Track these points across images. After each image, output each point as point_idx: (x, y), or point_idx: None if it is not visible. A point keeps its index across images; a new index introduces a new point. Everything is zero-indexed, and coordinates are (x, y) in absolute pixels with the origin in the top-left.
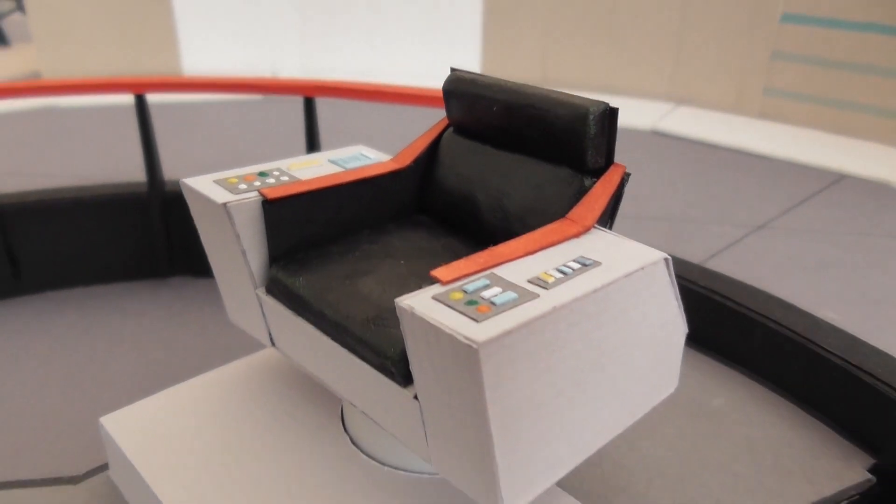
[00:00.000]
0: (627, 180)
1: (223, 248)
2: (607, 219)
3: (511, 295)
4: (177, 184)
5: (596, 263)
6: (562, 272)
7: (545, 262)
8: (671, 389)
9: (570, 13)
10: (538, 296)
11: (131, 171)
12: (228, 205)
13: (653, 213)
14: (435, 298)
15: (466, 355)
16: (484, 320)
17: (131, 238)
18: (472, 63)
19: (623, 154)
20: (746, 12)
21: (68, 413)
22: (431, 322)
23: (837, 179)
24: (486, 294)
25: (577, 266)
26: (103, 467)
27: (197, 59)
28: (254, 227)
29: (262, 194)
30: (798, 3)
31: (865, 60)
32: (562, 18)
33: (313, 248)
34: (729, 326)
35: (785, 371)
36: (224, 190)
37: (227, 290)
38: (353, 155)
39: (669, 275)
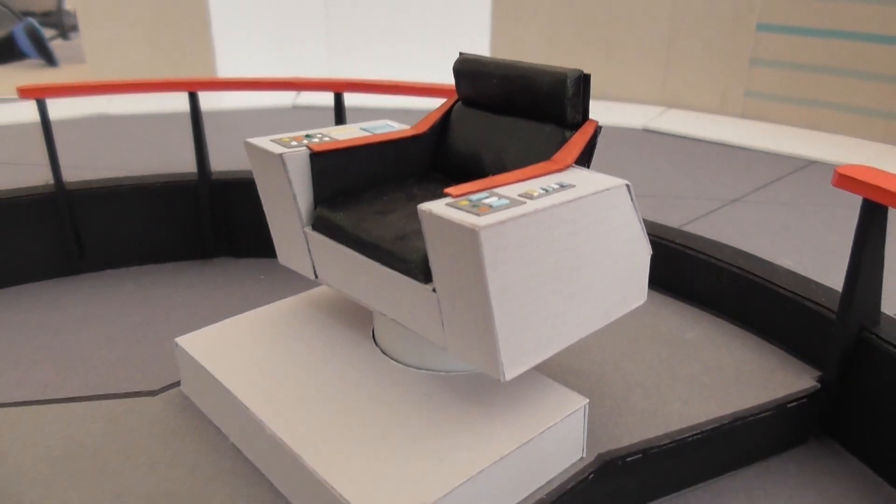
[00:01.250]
0: (600, 132)
1: (277, 194)
2: (584, 162)
3: (505, 201)
4: (222, 174)
5: (571, 186)
6: (545, 190)
7: (532, 185)
8: (641, 301)
9: (571, 28)
10: (525, 202)
11: (176, 166)
12: (284, 155)
13: (640, 192)
14: (448, 205)
15: (471, 238)
16: (484, 215)
17: (181, 222)
18: None
19: (615, 148)
20: (726, 23)
21: (133, 355)
22: (445, 217)
23: (806, 164)
24: (486, 201)
25: (556, 187)
26: (176, 384)
27: (230, 72)
28: (302, 175)
29: (309, 148)
30: (771, 14)
31: (831, 63)
32: (563, 32)
33: (349, 195)
34: (700, 275)
35: (748, 308)
36: (279, 145)
37: (278, 234)
38: (381, 125)
39: (631, 199)
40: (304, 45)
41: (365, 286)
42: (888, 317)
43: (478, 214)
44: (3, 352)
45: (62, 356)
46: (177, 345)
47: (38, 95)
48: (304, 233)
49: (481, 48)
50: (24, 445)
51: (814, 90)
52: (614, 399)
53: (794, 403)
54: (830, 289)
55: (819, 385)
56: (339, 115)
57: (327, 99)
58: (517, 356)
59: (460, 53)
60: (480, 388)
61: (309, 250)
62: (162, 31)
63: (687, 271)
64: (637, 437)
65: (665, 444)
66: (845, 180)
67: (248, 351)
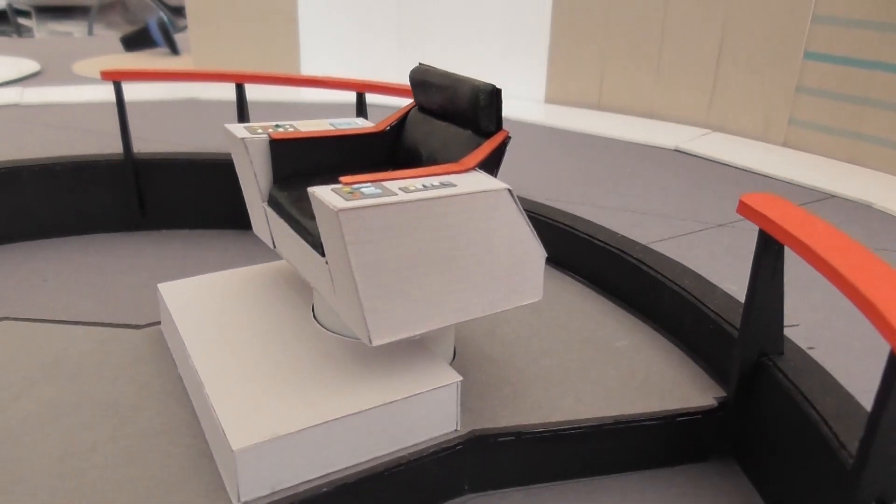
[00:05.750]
0: (509, 141)
1: (245, 174)
2: (493, 167)
3: (377, 191)
4: None
5: (452, 185)
6: (424, 186)
7: (417, 182)
8: (534, 299)
9: (624, 47)
10: (396, 194)
11: None
12: (245, 140)
13: (629, 208)
14: (332, 190)
15: (334, 217)
16: (352, 200)
17: (227, 195)
18: (538, 86)
19: (638, 166)
20: (774, 48)
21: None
22: (320, 198)
23: (824, 198)
24: (364, 190)
25: (437, 184)
26: (158, 322)
27: (312, 68)
28: (263, 158)
29: (269, 135)
30: (819, 43)
31: (876, 96)
32: (617, 51)
33: (303, 178)
34: (647, 289)
35: (681, 325)
36: (247, 132)
37: (251, 209)
38: (349, 121)
39: (515, 203)
40: (378, 48)
41: (296, 256)
42: (797, 348)
43: (347, 199)
44: (64, 283)
45: (104, 292)
46: (158, 290)
47: (115, 78)
48: (263, 207)
49: (540, 59)
50: (28, 352)
51: (857, 123)
52: (514, 388)
53: (686, 418)
54: None
55: (716, 404)
56: (361, 112)
57: (391, 100)
58: (386, 326)
59: (420, 64)
60: (374, 355)
61: (268, 223)
62: (257, 29)
63: (637, 284)
64: (516, 421)
65: (539, 432)
66: (745, 209)
67: (208, 302)
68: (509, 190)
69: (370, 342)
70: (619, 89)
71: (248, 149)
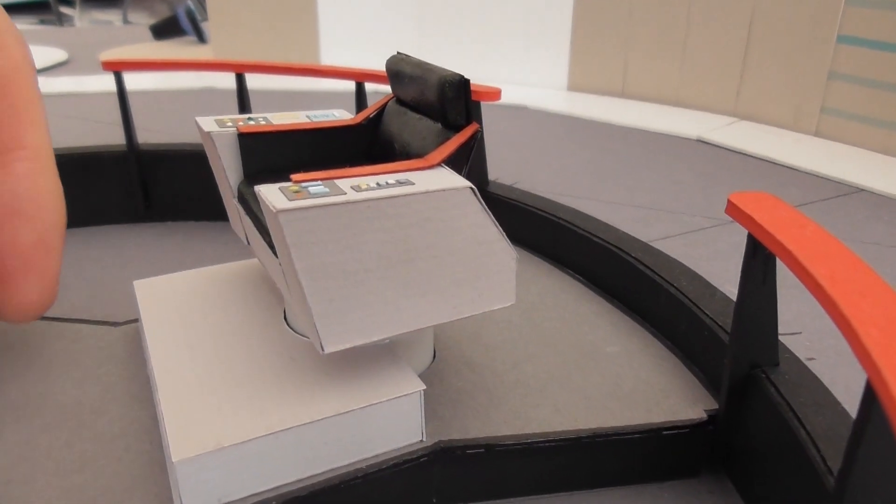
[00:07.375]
0: (479, 136)
1: (217, 169)
2: (462, 163)
3: (324, 190)
4: None
5: (409, 183)
6: (378, 184)
7: (370, 179)
8: (506, 303)
9: (649, 32)
10: (345, 193)
11: None
12: (212, 133)
13: (637, 203)
14: (279, 188)
15: (275, 218)
16: (294, 200)
17: None
18: (560, 74)
19: (654, 156)
20: (805, 32)
21: None
22: (263, 197)
23: (851, 192)
24: (312, 189)
25: (393, 182)
26: (137, 319)
27: (332, 57)
28: (232, 152)
29: (238, 129)
30: (853, 26)
31: None
32: (641, 37)
33: (275, 173)
34: (645, 289)
35: (676, 330)
36: (216, 126)
37: (226, 204)
38: (326, 113)
39: (478, 201)
40: (400, 36)
41: (262, 255)
42: (795, 358)
43: (289, 199)
44: (62, 276)
45: (99, 286)
46: (134, 286)
47: (116, 68)
48: (234, 203)
49: (562, 46)
50: (2, 350)
51: (893, 111)
52: (490, 396)
53: (673, 431)
54: None
55: (706, 417)
56: (360, 102)
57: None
58: (338, 332)
59: (397, 52)
60: (337, 361)
61: (240, 218)
62: (276, 19)
63: (635, 285)
64: (487, 432)
65: (510, 445)
66: (733, 209)
67: (181, 300)
68: (472, 188)
69: (322, 350)
70: (643, 76)
71: (215, 143)
